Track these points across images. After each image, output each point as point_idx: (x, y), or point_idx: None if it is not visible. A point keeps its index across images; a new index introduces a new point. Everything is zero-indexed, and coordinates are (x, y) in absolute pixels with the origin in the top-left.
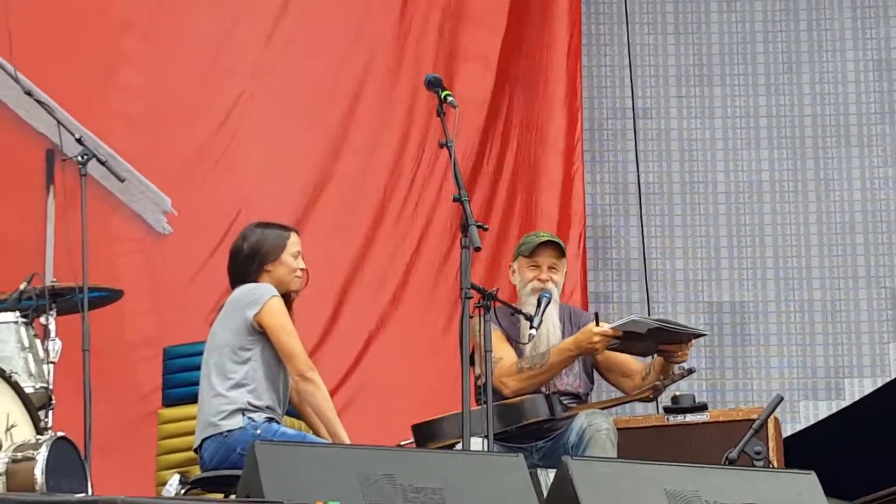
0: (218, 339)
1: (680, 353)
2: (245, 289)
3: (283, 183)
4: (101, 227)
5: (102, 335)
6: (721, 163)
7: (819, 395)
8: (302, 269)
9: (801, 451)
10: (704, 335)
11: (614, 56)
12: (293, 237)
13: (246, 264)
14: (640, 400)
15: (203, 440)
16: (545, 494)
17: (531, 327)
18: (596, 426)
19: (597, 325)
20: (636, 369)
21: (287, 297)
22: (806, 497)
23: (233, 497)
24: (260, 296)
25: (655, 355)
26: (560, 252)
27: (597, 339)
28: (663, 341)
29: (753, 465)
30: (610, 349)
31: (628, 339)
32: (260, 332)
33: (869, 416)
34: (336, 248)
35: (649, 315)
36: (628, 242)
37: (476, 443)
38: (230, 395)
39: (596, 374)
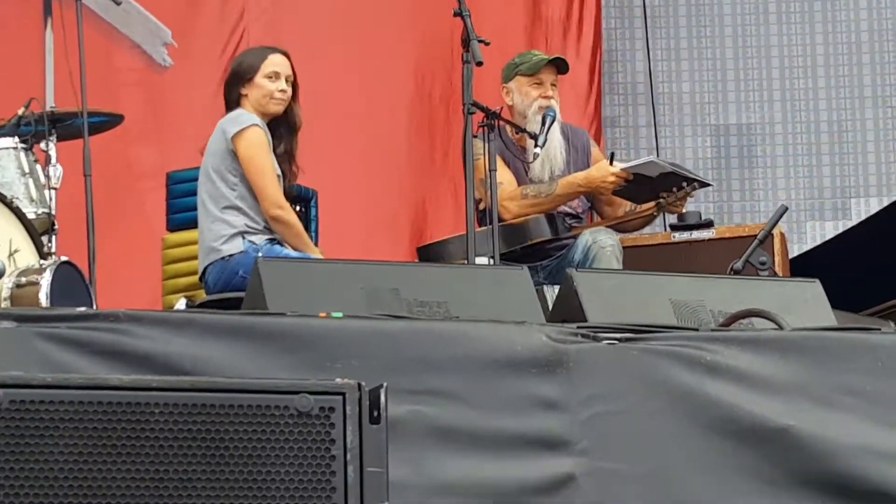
0: (207, 164)
1: (679, 204)
2: (230, 115)
3: (285, 14)
4: (102, 60)
5: (106, 164)
6: None
7: (826, 215)
8: (281, 91)
9: (808, 270)
10: (710, 185)
11: None
12: (272, 57)
13: (229, 87)
14: (644, 218)
15: (206, 266)
16: (550, 309)
17: (536, 146)
18: (601, 242)
19: (611, 164)
20: (620, 202)
21: (291, 123)
22: (810, 304)
23: None
24: (241, 122)
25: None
26: (560, 70)
27: (611, 178)
28: (666, 189)
29: (758, 276)
30: (614, 193)
31: (634, 183)
32: None
33: (875, 234)
34: (333, 65)
35: (658, 156)
36: (634, 66)
37: (482, 262)
38: (227, 218)
39: None
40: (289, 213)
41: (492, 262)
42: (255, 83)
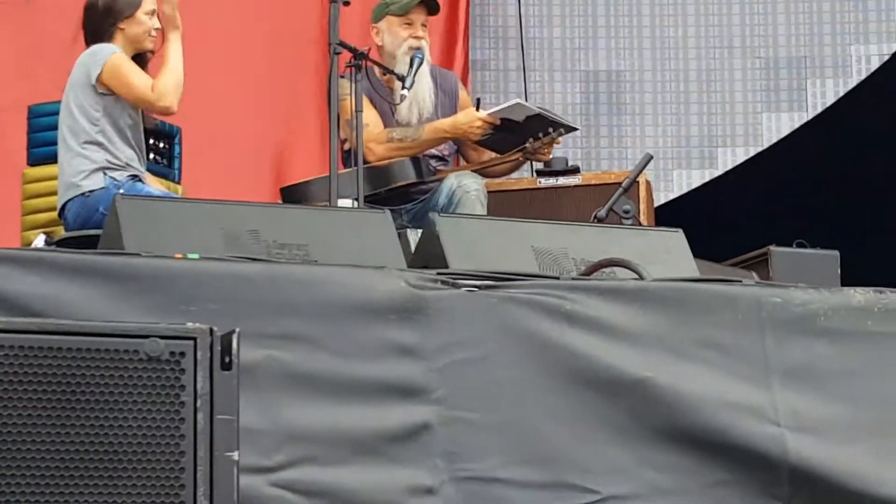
0: (69, 98)
1: (545, 150)
2: (92, 49)
3: None
4: None
5: None
6: None
7: (693, 164)
8: (157, 29)
9: (674, 218)
10: (577, 129)
11: None
12: None
13: (100, 21)
14: (510, 163)
15: (66, 202)
16: (413, 253)
17: (403, 88)
18: (465, 187)
19: (477, 110)
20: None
21: (142, 59)
22: (673, 254)
23: None
24: (102, 56)
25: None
26: (431, 11)
27: (478, 124)
28: (532, 135)
29: (622, 224)
30: (480, 143)
31: (501, 129)
32: (104, 92)
33: (741, 184)
34: (198, 3)
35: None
36: (505, 10)
37: (345, 204)
38: (88, 153)
39: None
40: (170, 99)
41: (355, 203)
42: (137, 19)
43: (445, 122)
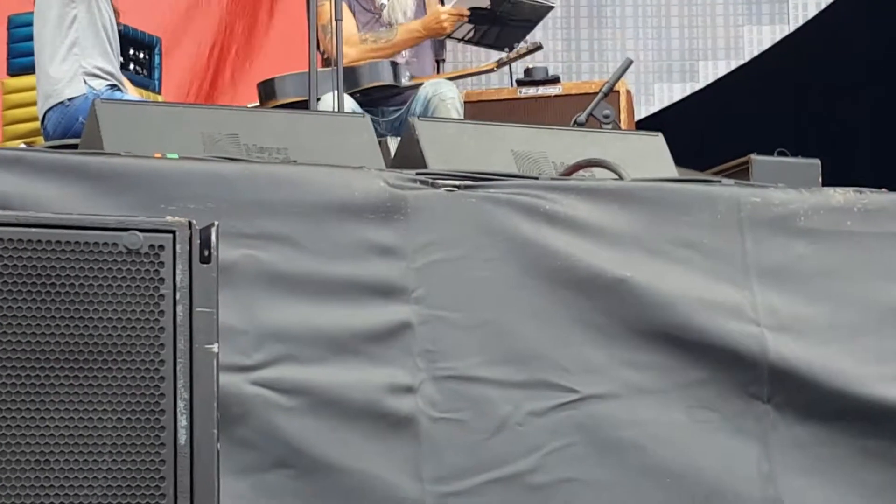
0: (41, 6)
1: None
2: None
3: None
4: None
5: None
6: None
7: (674, 77)
8: None
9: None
10: (552, 8)
11: None
12: None
13: None
14: (486, 72)
15: (46, 112)
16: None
17: None
18: (441, 95)
19: (443, 4)
20: None
21: None
22: (653, 157)
23: None
24: None
25: None
26: None
27: (444, 17)
28: (514, 22)
29: (602, 129)
30: (463, 39)
31: (478, 21)
32: None
33: (722, 97)
34: None
35: None
36: None
37: (327, 98)
38: (65, 60)
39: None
40: None
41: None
42: None
43: (415, 23)
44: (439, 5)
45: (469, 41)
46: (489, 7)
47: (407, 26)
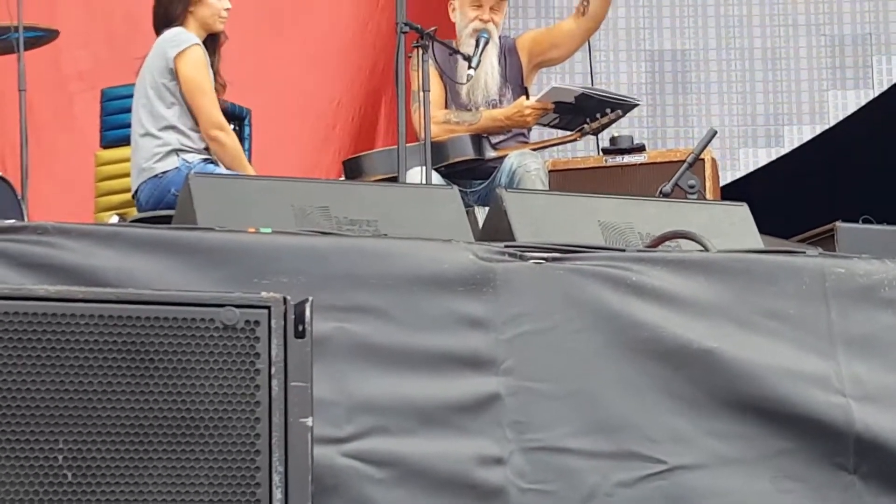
0: (145, 81)
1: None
2: (170, 33)
3: None
4: None
5: (37, 75)
6: None
7: (759, 142)
8: (227, 10)
9: (740, 197)
10: (637, 104)
11: None
12: None
13: (170, 4)
14: (569, 142)
15: (139, 185)
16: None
17: (469, 67)
18: (525, 166)
19: (527, 98)
20: (567, 26)
21: (215, 40)
22: (738, 227)
23: None
24: (182, 41)
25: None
26: None
27: (527, 112)
28: (593, 113)
29: (687, 199)
30: (548, 125)
31: (563, 111)
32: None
33: (807, 162)
34: None
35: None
36: None
37: (415, 173)
38: (162, 135)
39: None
40: (229, 135)
41: (423, 171)
42: (205, 2)
43: (500, 112)
44: (523, 98)
45: (554, 126)
46: (573, 102)
47: (491, 114)
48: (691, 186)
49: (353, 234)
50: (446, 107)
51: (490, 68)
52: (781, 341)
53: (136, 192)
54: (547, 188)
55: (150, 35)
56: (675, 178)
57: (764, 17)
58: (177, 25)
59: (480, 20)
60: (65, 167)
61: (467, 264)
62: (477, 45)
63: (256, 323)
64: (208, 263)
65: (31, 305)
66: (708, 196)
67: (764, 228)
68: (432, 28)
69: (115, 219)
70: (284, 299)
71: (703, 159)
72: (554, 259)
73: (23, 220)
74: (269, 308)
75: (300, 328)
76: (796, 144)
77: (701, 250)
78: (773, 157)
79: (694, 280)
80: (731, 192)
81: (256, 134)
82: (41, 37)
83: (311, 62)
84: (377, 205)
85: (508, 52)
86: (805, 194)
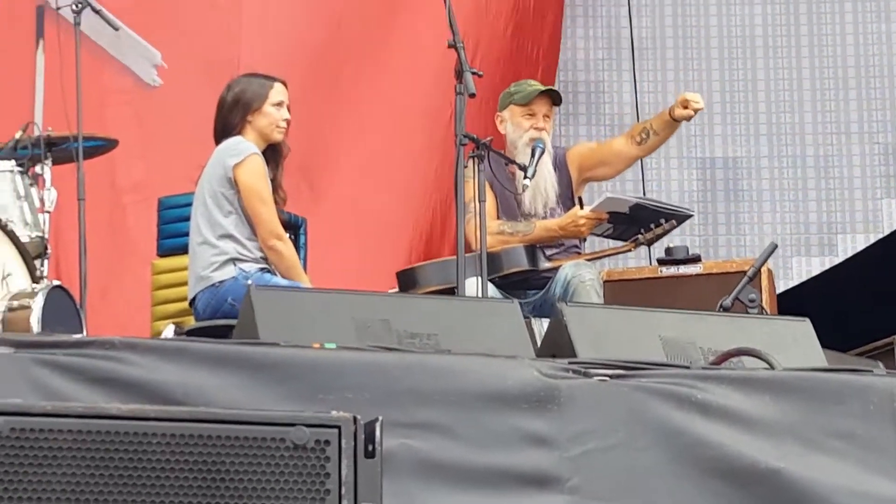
0: (203, 191)
1: (654, 240)
2: (229, 142)
3: (278, 39)
4: (92, 81)
5: (93, 185)
6: (714, 17)
7: (812, 251)
8: (285, 120)
9: (795, 306)
10: (690, 215)
11: None
12: (277, 86)
13: (229, 114)
14: (623, 252)
15: (197, 293)
16: (538, 343)
17: (525, 177)
18: (580, 277)
19: (580, 208)
20: (620, 147)
21: (277, 151)
22: (800, 343)
23: None
24: (241, 150)
25: None
26: (554, 101)
27: (582, 222)
28: (647, 222)
29: (748, 313)
30: (602, 235)
31: (617, 221)
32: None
33: (862, 271)
34: (327, 97)
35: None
36: (621, 97)
37: (471, 284)
38: (220, 244)
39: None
40: (286, 244)
41: (479, 282)
42: (263, 112)
43: (553, 223)
44: (577, 208)
45: (608, 236)
46: (627, 212)
47: (545, 224)
48: (752, 300)
49: (415, 348)
50: (498, 217)
51: (548, 175)
52: (848, 462)
53: (193, 300)
54: (602, 298)
55: (201, 146)
56: (735, 292)
57: (816, 124)
58: (236, 135)
59: (535, 129)
60: (120, 276)
61: (532, 381)
62: (532, 155)
63: (327, 443)
64: (273, 379)
65: (105, 424)
66: (764, 305)
67: (819, 339)
68: (488, 138)
69: (171, 328)
70: (354, 419)
71: (760, 271)
72: (618, 376)
73: (81, 328)
74: (339, 428)
75: (370, 448)
76: (850, 253)
77: (766, 368)
78: (827, 266)
79: (759, 398)
80: (785, 302)
81: (312, 243)
82: (100, 146)
83: (364, 173)
84: (437, 318)
85: (559, 165)
86: (860, 304)
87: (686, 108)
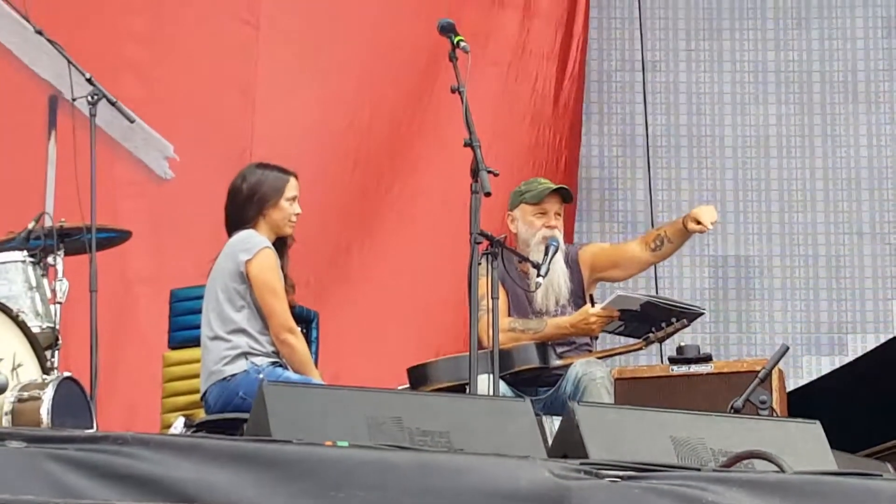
0: (216, 284)
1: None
2: (241, 236)
3: (289, 132)
4: (103, 173)
5: (104, 277)
6: (728, 117)
7: (822, 350)
8: (296, 215)
9: (804, 405)
10: (701, 314)
11: (624, 8)
12: (292, 181)
13: (244, 207)
14: (634, 350)
15: (208, 387)
16: (550, 441)
17: (539, 275)
18: (590, 375)
19: (592, 305)
20: (633, 251)
21: (283, 243)
22: (811, 446)
23: None
24: (253, 245)
25: None
26: (564, 199)
27: (593, 319)
28: (659, 319)
29: (759, 415)
30: (613, 332)
31: (628, 318)
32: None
33: (872, 371)
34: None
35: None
36: (635, 195)
37: (480, 383)
38: (232, 339)
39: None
40: (298, 339)
41: (491, 379)
42: (280, 206)
43: (564, 321)
44: (588, 306)
45: (619, 333)
46: (638, 310)
47: (556, 321)
48: (762, 402)
49: (427, 447)
50: (509, 314)
51: (561, 273)
52: None
53: (204, 393)
54: (612, 396)
55: (212, 238)
56: (747, 393)
57: (828, 224)
58: (248, 228)
59: (547, 227)
60: (129, 368)
61: (543, 482)
62: (546, 253)
63: None
64: (286, 476)
65: None
66: (775, 405)
67: (828, 439)
68: (502, 236)
69: (181, 420)
70: None
71: (770, 373)
72: (629, 478)
73: (92, 420)
74: None
75: None
76: (860, 353)
77: (776, 471)
78: (837, 366)
79: (770, 501)
80: (794, 400)
81: (323, 337)
82: (113, 237)
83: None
84: (449, 416)
85: (571, 262)
86: (870, 403)
87: (699, 223)
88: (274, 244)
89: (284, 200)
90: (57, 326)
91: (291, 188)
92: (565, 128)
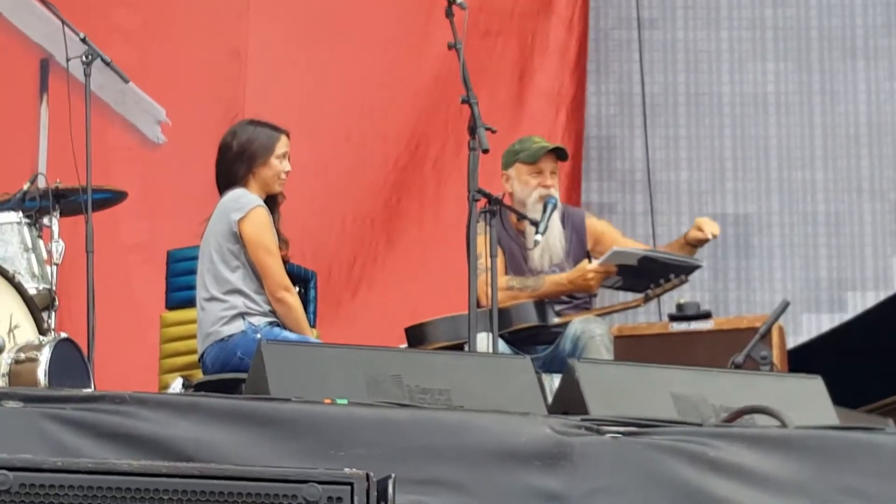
0: (209, 245)
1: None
2: (232, 195)
3: (282, 96)
4: (96, 137)
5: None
6: (726, 74)
7: (822, 307)
8: (286, 173)
9: (804, 362)
10: (699, 266)
11: None
12: (283, 139)
13: (234, 164)
14: (633, 307)
15: (205, 348)
16: (549, 399)
17: (537, 233)
18: (589, 332)
19: (589, 261)
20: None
21: (274, 200)
22: (812, 400)
23: None
24: (245, 204)
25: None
26: (560, 157)
27: (590, 275)
28: (657, 275)
29: (759, 370)
30: (612, 287)
31: (626, 274)
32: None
33: (872, 328)
34: (337, 151)
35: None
36: (633, 153)
37: (478, 342)
38: (227, 299)
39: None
40: (293, 297)
41: (490, 338)
42: (270, 164)
43: (563, 276)
44: (586, 262)
45: (617, 288)
46: (636, 265)
47: (554, 278)
48: (763, 358)
49: (427, 405)
50: (506, 273)
51: (557, 232)
52: None
53: (202, 355)
54: (611, 354)
55: (205, 203)
56: (747, 349)
57: (828, 181)
58: (239, 186)
59: (543, 186)
60: (126, 329)
61: (544, 438)
62: (545, 211)
63: (339, 500)
64: (285, 435)
65: (116, 480)
66: (775, 361)
67: (830, 396)
68: (500, 194)
69: (179, 380)
70: (367, 476)
71: (771, 329)
72: (630, 433)
73: (89, 381)
74: (351, 485)
75: None
76: (860, 310)
77: (778, 426)
78: (836, 323)
79: (772, 456)
80: (794, 358)
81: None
82: (108, 198)
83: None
84: (449, 374)
85: (575, 226)
86: (869, 361)
87: (701, 230)
88: (266, 202)
89: (274, 158)
90: (53, 288)
91: (282, 145)
92: (568, 81)
